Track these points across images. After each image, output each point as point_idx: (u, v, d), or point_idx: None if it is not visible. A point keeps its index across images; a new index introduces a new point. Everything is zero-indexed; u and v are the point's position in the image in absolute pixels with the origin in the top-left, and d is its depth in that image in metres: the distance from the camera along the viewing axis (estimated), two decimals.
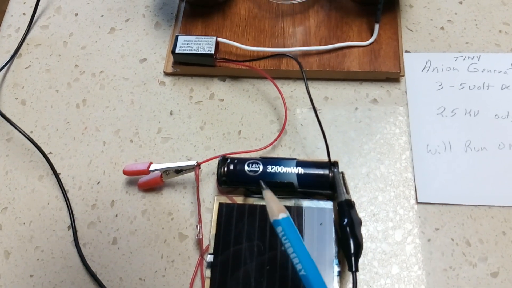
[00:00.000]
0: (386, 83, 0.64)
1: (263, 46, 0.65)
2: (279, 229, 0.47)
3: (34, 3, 0.73)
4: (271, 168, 0.55)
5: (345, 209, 0.51)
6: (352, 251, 0.49)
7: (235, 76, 0.66)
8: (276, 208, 0.48)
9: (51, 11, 0.74)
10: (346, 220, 0.50)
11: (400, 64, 0.62)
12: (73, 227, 0.58)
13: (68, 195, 0.60)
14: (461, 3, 0.69)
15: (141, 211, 0.58)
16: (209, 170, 0.60)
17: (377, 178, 0.58)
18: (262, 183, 0.53)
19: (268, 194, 0.50)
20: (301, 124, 0.62)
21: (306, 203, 0.55)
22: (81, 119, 0.65)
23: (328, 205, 0.55)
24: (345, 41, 0.64)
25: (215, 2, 0.69)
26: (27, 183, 0.61)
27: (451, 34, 0.67)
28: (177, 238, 0.56)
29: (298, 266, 0.45)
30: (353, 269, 0.48)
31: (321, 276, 0.45)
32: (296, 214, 0.54)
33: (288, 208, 0.54)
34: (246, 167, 0.55)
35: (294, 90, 0.64)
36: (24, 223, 0.59)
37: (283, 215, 0.47)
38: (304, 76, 0.59)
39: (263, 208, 0.54)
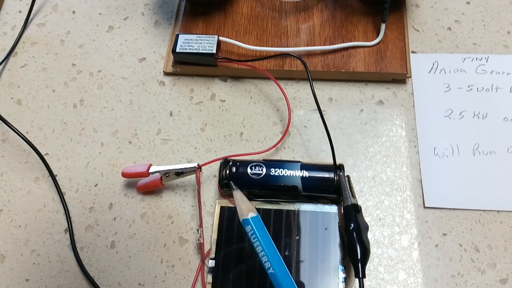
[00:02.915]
0: (392, 85, 0.62)
1: (266, 46, 0.64)
2: (248, 228, 0.47)
3: (31, 1, 0.71)
4: (275, 171, 0.54)
5: (351, 213, 0.50)
6: (359, 257, 0.48)
7: (237, 76, 0.65)
8: (245, 207, 0.48)
9: (48, 9, 0.73)
10: (352, 225, 0.49)
11: (407, 65, 0.61)
12: (70, 230, 0.56)
13: (65, 198, 0.58)
14: (468, 3, 0.68)
15: (140, 214, 0.57)
16: (210, 173, 0.58)
17: (383, 182, 0.57)
18: (232, 184, 0.52)
19: (237, 194, 0.51)
20: (305, 126, 0.61)
21: (310, 207, 0.54)
22: (78, 119, 0.63)
23: (333, 209, 0.53)
24: (350, 41, 0.63)
25: (216, 0, 0.68)
26: (22, 185, 0.60)
27: (459, 34, 0.65)
28: (177, 242, 0.55)
29: (267, 265, 0.45)
30: (360, 275, 0.47)
31: (290, 275, 0.45)
32: (300, 218, 0.53)
33: (292, 212, 0.53)
34: (249, 170, 0.54)
35: (297, 91, 0.63)
36: (20, 226, 0.57)
37: (252, 214, 0.48)
38: (310, 76, 0.57)
39: (266, 211, 0.54)
